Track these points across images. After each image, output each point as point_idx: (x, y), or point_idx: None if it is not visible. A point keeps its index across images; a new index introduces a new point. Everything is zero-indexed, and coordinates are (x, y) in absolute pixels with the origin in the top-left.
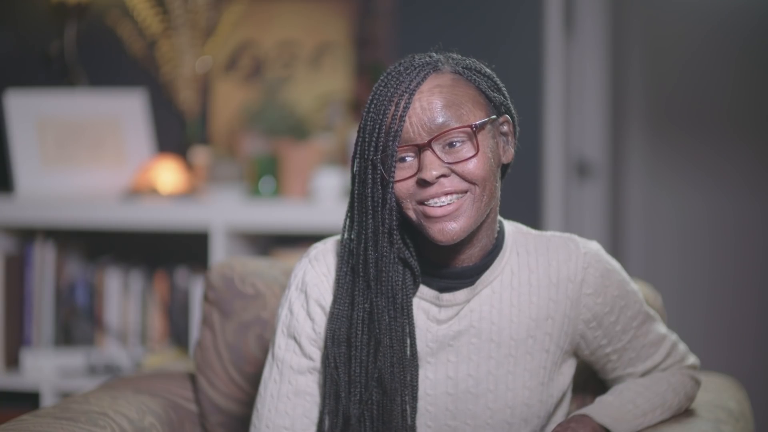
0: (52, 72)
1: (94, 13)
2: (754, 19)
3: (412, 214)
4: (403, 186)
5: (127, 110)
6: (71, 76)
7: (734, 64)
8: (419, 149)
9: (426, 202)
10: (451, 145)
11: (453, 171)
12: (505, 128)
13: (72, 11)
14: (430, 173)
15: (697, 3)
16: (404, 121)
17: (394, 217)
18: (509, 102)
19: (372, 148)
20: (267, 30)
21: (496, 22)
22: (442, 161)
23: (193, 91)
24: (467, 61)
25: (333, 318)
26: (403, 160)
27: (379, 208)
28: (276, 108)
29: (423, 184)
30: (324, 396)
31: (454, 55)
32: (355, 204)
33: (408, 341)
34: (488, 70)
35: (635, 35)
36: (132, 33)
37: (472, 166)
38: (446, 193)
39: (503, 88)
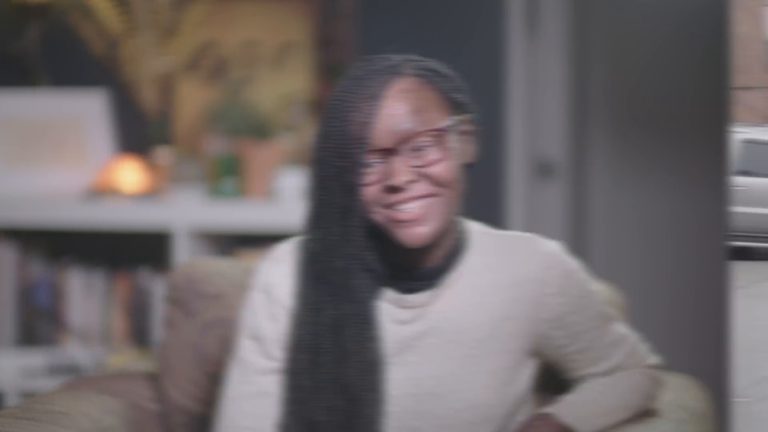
0: (14, 72)
1: (56, 13)
2: (715, 19)
3: (378, 218)
4: (370, 191)
5: (89, 110)
6: (33, 76)
7: (697, 65)
8: (386, 154)
9: (394, 207)
10: (418, 149)
11: (422, 175)
12: (465, 128)
13: (34, 11)
14: (399, 179)
15: (660, 3)
16: (370, 128)
17: (362, 225)
18: (469, 101)
19: (337, 156)
20: (229, 30)
21: (458, 22)
22: (411, 166)
23: (155, 91)
24: (427, 63)
25: (297, 324)
26: (369, 165)
27: (347, 216)
28: (238, 108)
29: (392, 190)
30: (286, 402)
31: (413, 57)
32: (318, 211)
33: (373, 346)
34: (448, 71)
35: (598, 35)
36: (94, 33)
37: (441, 169)
38: (415, 198)
39: (463, 88)
